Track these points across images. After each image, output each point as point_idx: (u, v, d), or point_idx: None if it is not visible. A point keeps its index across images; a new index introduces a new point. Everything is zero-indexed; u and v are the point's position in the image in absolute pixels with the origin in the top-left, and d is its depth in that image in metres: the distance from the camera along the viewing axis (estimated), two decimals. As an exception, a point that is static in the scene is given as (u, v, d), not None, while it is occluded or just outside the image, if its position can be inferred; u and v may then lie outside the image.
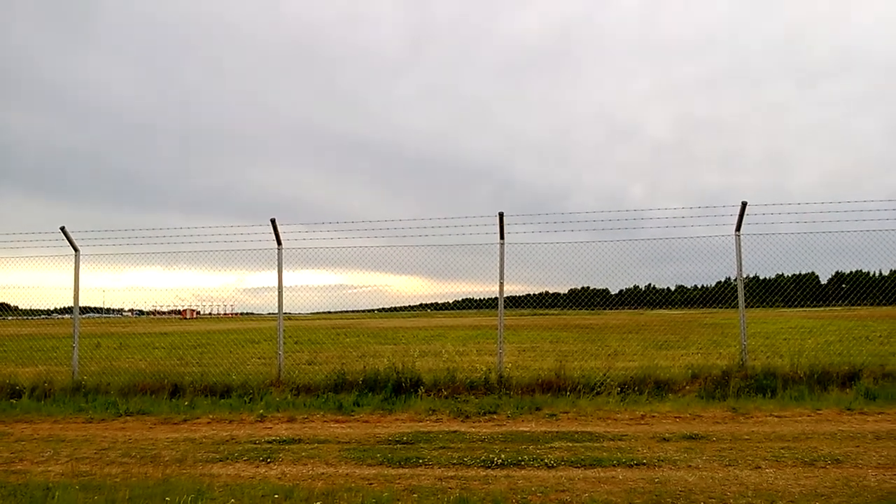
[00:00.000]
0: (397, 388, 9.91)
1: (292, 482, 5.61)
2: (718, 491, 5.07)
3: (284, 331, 11.47)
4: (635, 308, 16.54)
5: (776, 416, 8.05)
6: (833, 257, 11.00)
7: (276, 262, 11.32)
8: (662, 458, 6.16)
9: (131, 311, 20.63)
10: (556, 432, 7.43)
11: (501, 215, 10.65)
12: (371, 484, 5.53)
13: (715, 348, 15.63)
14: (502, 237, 10.74)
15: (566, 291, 14.79)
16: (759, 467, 5.76)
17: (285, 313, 11.60)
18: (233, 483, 5.61)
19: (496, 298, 10.84)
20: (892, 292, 12.97)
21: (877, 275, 14.38)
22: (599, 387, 9.60)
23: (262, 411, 9.03)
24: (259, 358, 14.90)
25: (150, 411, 9.34)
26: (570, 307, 14.85)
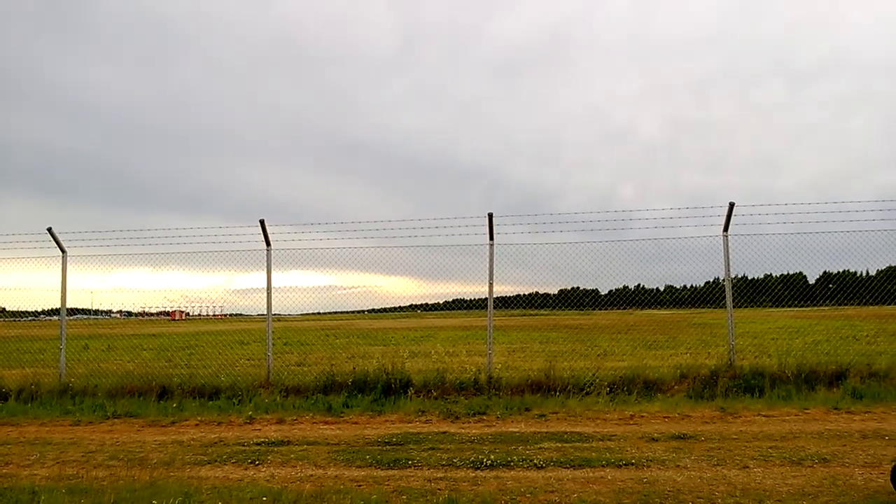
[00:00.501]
0: (387, 390, 9.89)
1: (281, 484, 5.58)
2: (707, 491, 5.09)
3: (274, 332, 11.43)
4: (625, 308, 16.58)
5: (764, 416, 8.09)
6: (821, 257, 11.07)
7: (266, 264, 11.28)
8: (651, 458, 6.18)
9: (119, 312, 20.50)
10: (546, 433, 7.43)
11: (490, 216, 10.65)
12: (360, 486, 5.51)
13: (704, 348, 15.68)
14: (492, 238, 10.75)
15: (556, 292, 14.83)
16: (748, 467, 5.78)
17: (275, 314, 11.56)
18: (221, 486, 5.58)
19: (486, 299, 10.85)
20: (879, 292, 13.07)
21: (864, 275, 14.49)
22: (589, 387, 9.62)
23: (250, 413, 8.99)
24: (248, 359, 14.83)
25: (138, 413, 9.29)
26: (560, 307, 14.89)
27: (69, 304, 11.99)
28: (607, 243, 11.17)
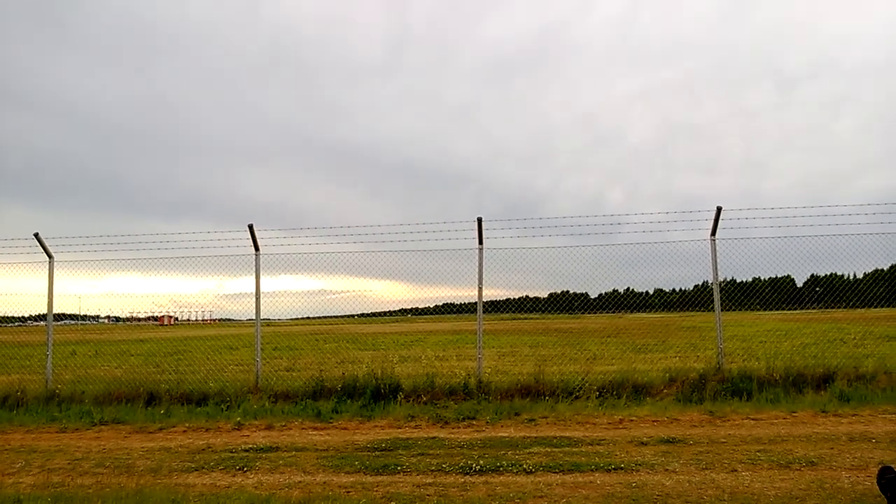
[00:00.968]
0: (376, 395, 9.86)
1: (269, 491, 5.56)
2: (695, 495, 5.10)
3: (263, 337, 11.39)
4: (614, 312, 16.64)
5: (752, 419, 8.12)
6: (808, 260, 11.14)
7: (254, 269, 11.24)
8: (640, 462, 6.18)
9: (108, 317, 20.42)
10: (535, 437, 7.43)
11: (480, 220, 10.66)
12: (349, 492, 5.49)
13: (692, 351, 15.74)
14: (481, 242, 10.76)
15: (546, 296, 14.86)
16: (736, 470, 5.80)
17: (264, 319, 11.52)
18: (208, 493, 5.55)
19: (476, 303, 10.85)
20: (866, 295, 13.17)
21: (851, 277, 14.60)
22: (578, 391, 9.63)
23: (239, 419, 8.94)
24: (237, 365, 14.77)
25: (125, 420, 9.22)
26: (550, 311, 14.94)
27: (57, 310, 11.91)
28: (597, 247, 11.20)
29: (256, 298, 11.25)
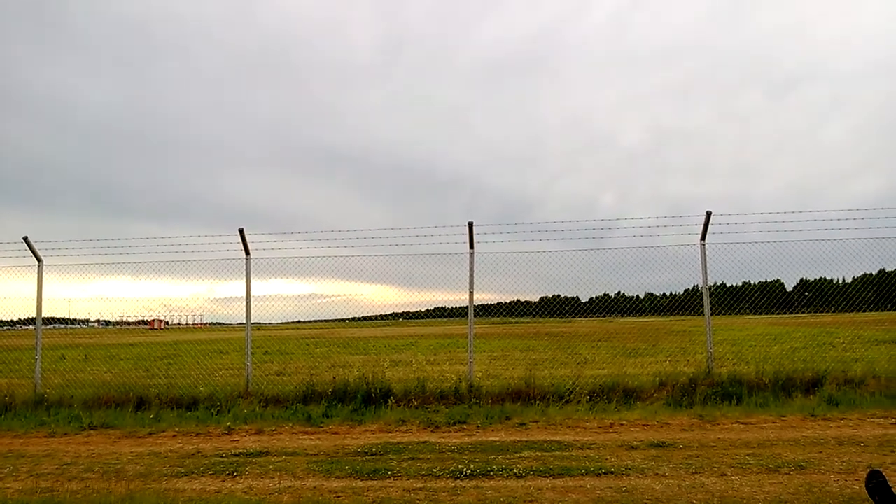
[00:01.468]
0: (367, 399, 9.84)
1: (259, 496, 5.54)
2: (685, 499, 5.12)
3: (254, 341, 11.36)
4: (605, 316, 16.68)
5: (742, 423, 8.15)
6: (798, 265, 11.20)
7: (245, 273, 11.21)
8: (630, 466, 6.20)
9: (97, 321, 20.26)
10: (526, 442, 7.44)
11: (471, 225, 10.67)
12: (339, 497, 5.48)
13: (683, 355, 15.79)
14: (472, 246, 10.77)
15: (537, 300, 14.88)
16: (725, 474, 5.82)
17: (255, 323, 11.49)
18: (198, 498, 5.53)
19: (468, 307, 10.85)
20: (855, 299, 13.24)
21: (840, 282, 14.69)
22: (569, 395, 9.64)
23: (229, 424, 8.91)
24: (228, 369, 14.72)
25: (115, 425, 9.17)
26: (541, 315, 14.96)
27: (46, 314, 11.84)
28: (588, 252, 11.22)
29: (247, 302, 11.23)
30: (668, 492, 5.32)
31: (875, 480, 4.37)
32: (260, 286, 11.42)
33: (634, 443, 7.20)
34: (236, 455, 7.17)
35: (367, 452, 7.13)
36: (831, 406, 8.91)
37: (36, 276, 11.54)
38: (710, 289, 10.68)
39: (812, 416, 8.45)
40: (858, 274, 13.14)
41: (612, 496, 5.26)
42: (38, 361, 11.34)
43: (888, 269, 12.53)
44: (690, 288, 13.34)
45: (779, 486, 5.39)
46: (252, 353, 11.18)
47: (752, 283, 14.65)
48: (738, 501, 5.03)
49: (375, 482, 5.94)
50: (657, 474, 5.89)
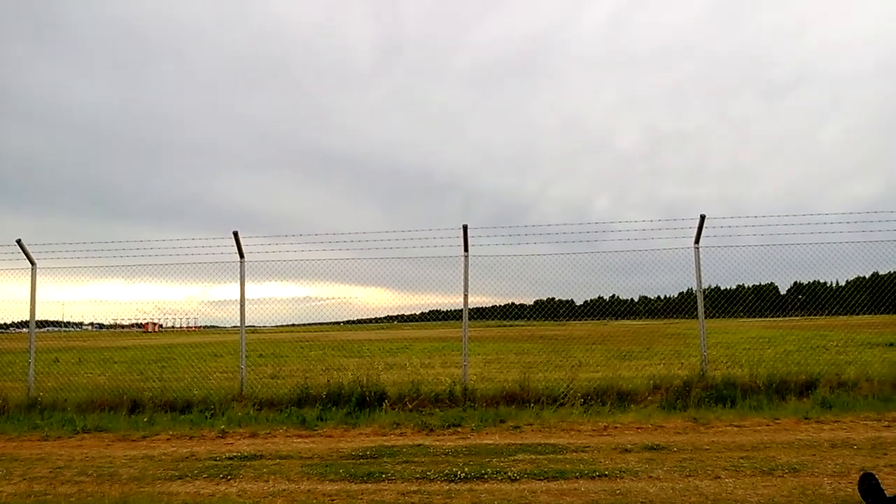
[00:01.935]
0: (361, 402, 9.83)
1: (253, 499, 5.53)
2: (679, 502, 5.13)
3: (248, 344, 11.34)
4: (600, 319, 16.69)
5: (735, 426, 8.17)
6: (792, 268, 11.25)
7: (239, 276, 11.20)
8: (624, 469, 6.20)
9: (91, 324, 20.17)
10: (520, 444, 7.44)
11: (465, 228, 10.68)
12: (333, 500, 5.47)
13: (677, 358, 15.83)
14: (466, 249, 10.77)
15: (532, 303, 14.88)
16: (719, 477, 5.83)
17: (250, 326, 11.47)
18: (192, 501, 5.52)
19: (462, 310, 10.85)
20: (848, 302, 13.29)
21: (834, 285, 14.74)
22: (563, 398, 9.65)
23: (223, 427, 8.89)
24: (222, 372, 14.68)
25: (109, 428, 9.14)
26: (536, 318, 14.95)
27: (40, 317, 11.81)
28: (583, 255, 11.25)
29: (241, 305, 11.20)
30: (662, 494, 5.33)
31: (868, 482, 4.40)
32: (254, 289, 11.41)
33: (628, 445, 7.21)
34: (230, 458, 7.16)
35: (361, 455, 7.12)
36: (825, 409, 8.93)
37: (29, 278, 11.51)
38: (704, 292, 10.70)
39: (806, 418, 8.47)
40: (852, 277, 13.18)
41: (607, 499, 5.27)
42: (32, 364, 11.30)
43: (881, 272, 12.59)
44: (685, 291, 13.38)
45: (772, 489, 5.40)
46: (246, 356, 11.15)
47: (745, 286, 14.70)
48: (731, 504, 5.04)
49: (370, 485, 5.93)
50: (651, 477, 5.90)
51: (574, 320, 14.66)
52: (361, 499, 5.48)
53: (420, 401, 9.89)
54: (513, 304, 15.56)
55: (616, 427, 8.33)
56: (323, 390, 10.24)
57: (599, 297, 14.83)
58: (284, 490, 5.83)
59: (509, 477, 6.03)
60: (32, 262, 11.43)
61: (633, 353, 18.21)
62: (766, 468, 6.09)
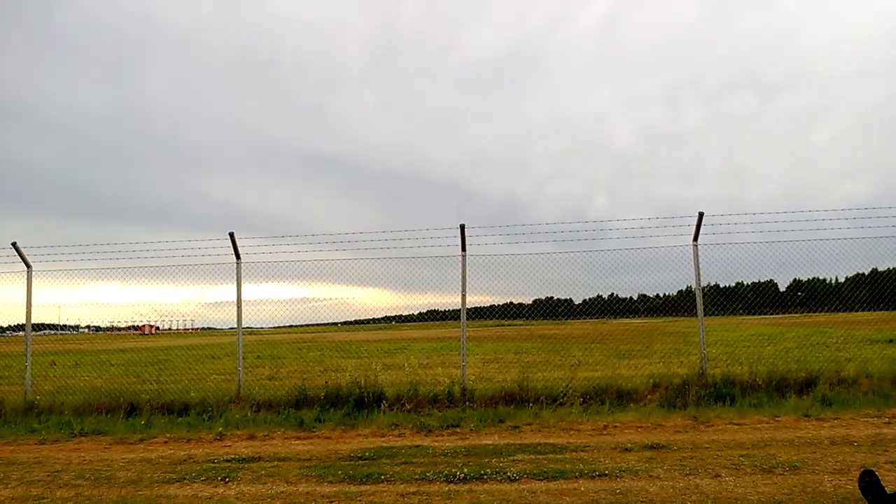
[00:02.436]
0: (360, 403, 9.79)
1: (251, 502, 5.50)
2: (679, 501, 5.10)
3: (246, 345, 11.29)
4: (599, 318, 16.67)
5: (735, 424, 8.14)
6: (791, 266, 11.21)
7: (235, 277, 11.16)
8: (624, 468, 6.17)
9: (88, 327, 20.10)
10: (519, 445, 7.40)
11: (463, 227, 10.64)
12: (332, 502, 5.44)
13: (676, 357, 15.82)
14: (464, 249, 10.74)
15: (530, 302, 14.86)
16: (719, 476, 5.80)
17: (247, 328, 11.43)
18: (189, 504, 5.48)
19: (460, 310, 10.82)
20: (848, 299, 13.28)
21: (833, 282, 14.73)
22: (562, 398, 9.62)
23: (221, 429, 8.84)
24: (219, 374, 14.64)
25: (106, 431, 9.10)
26: (535, 317, 14.93)
27: (36, 320, 11.74)
28: (581, 253, 11.22)
29: (238, 307, 11.16)
30: (662, 493, 5.30)
31: (868, 480, 4.37)
32: (251, 290, 11.37)
33: (628, 444, 7.18)
34: (228, 461, 7.12)
35: (359, 457, 7.09)
36: (825, 406, 8.92)
37: (25, 281, 11.46)
38: (703, 289, 10.68)
39: (806, 416, 8.45)
40: (851, 273, 13.18)
41: (607, 498, 5.24)
42: (29, 368, 11.25)
43: (880, 268, 12.59)
44: (684, 289, 13.36)
45: (773, 487, 5.37)
46: (244, 358, 11.11)
47: (745, 283, 14.70)
48: (732, 502, 5.01)
49: (368, 487, 5.89)
50: (651, 476, 5.87)
51: (573, 319, 14.67)
52: (360, 500, 5.45)
53: (418, 401, 9.85)
54: (511, 303, 15.53)
55: (615, 426, 8.30)
56: (321, 392, 10.19)
57: (598, 296, 14.80)
58: (283, 492, 5.79)
59: (508, 477, 6.00)
60: (28, 265, 11.38)
61: (632, 352, 18.19)
62: (767, 466, 6.06)
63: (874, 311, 13.36)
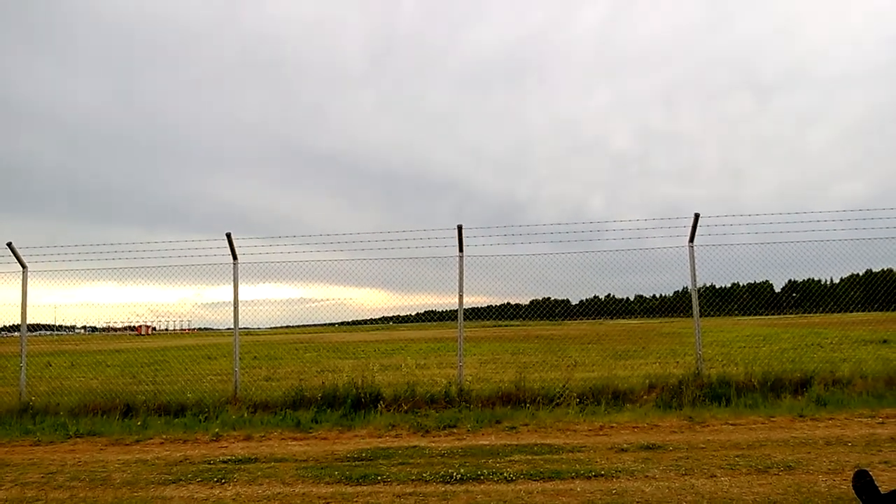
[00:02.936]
0: (357, 404, 9.79)
1: (247, 503, 5.49)
2: (675, 501, 5.11)
3: (243, 346, 11.29)
4: (595, 318, 16.69)
5: (731, 424, 8.17)
6: (786, 266, 11.25)
7: (233, 277, 11.15)
8: (620, 468, 6.19)
9: (84, 327, 20.05)
10: (516, 445, 7.42)
11: (460, 228, 10.65)
12: (328, 503, 5.44)
13: (672, 357, 15.84)
14: (461, 249, 10.75)
15: (527, 302, 14.88)
16: (715, 476, 5.82)
17: (244, 328, 11.41)
18: (185, 505, 5.48)
19: (458, 310, 10.82)
20: (843, 299, 13.32)
21: (828, 283, 14.78)
22: (559, 398, 9.63)
23: (217, 430, 8.84)
24: (216, 375, 14.61)
25: (101, 432, 9.08)
26: (532, 318, 14.95)
27: (31, 320, 11.72)
28: (578, 254, 11.23)
29: (235, 308, 11.15)
30: (657, 494, 5.32)
31: (862, 480, 4.38)
32: (248, 291, 11.37)
33: (624, 445, 7.20)
34: (224, 462, 7.11)
35: (356, 458, 7.09)
36: (819, 406, 8.95)
37: (20, 282, 11.43)
38: (699, 290, 10.70)
39: (801, 416, 8.48)
40: (846, 274, 13.23)
41: (603, 499, 5.25)
42: (24, 368, 11.23)
43: (875, 269, 12.64)
44: (680, 290, 13.40)
45: (768, 487, 5.40)
46: (240, 359, 11.11)
47: (740, 284, 14.72)
48: (727, 502, 5.03)
49: (365, 487, 5.89)
50: (647, 476, 5.89)
51: (569, 320, 14.69)
52: (356, 501, 5.45)
53: (415, 402, 9.86)
54: (508, 304, 15.56)
55: (612, 427, 8.32)
56: (318, 392, 10.19)
57: (595, 297, 14.83)
58: (279, 493, 5.79)
59: (505, 478, 6.01)
60: (23, 266, 11.35)
61: (628, 353, 18.21)
62: (762, 466, 6.08)
63: (868, 311, 13.41)
